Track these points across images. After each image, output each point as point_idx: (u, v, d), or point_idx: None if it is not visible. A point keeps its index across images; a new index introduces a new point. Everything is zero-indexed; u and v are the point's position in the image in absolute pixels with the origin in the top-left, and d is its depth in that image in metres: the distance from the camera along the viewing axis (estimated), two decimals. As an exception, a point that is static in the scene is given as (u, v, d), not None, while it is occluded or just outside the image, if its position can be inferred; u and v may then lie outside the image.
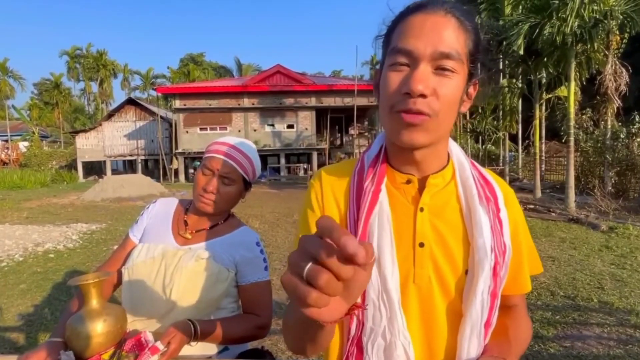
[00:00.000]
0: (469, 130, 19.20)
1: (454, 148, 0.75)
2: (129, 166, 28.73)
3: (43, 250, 6.27)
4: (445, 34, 0.60)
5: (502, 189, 0.75)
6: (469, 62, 0.64)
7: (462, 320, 0.67)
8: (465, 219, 0.70)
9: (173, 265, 1.10)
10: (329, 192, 0.75)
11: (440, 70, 0.61)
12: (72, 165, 27.02)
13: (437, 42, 0.60)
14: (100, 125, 26.26)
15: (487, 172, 0.77)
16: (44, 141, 33.99)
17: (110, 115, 26.71)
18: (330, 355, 0.74)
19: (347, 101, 22.55)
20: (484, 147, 18.98)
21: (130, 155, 26.10)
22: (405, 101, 0.61)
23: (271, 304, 1.22)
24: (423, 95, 0.60)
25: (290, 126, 23.27)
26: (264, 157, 23.61)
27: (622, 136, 10.54)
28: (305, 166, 23.74)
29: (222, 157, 1.15)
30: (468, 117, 20.39)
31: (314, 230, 0.72)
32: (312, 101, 23.06)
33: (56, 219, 9.58)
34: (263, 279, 1.20)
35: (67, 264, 5.56)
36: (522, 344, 0.75)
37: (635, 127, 10.42)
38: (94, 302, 0.95)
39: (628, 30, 8.91)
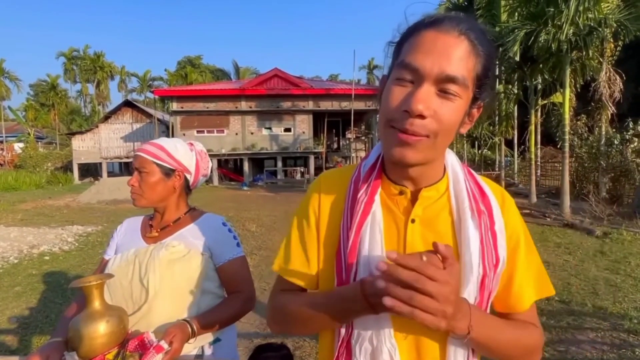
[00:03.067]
0: (465, 135, 19.28)
1: (450, 158, 0.75)
2: (125, 168, 28.61)
3: (38, 253, 6.23)
4: (454, 57, 0.59)
5: (499, 200, 0.74)
6: (475, 86, 0.63)
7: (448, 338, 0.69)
8: (456, 231, 0.71)
9: (146, 260, 1.15)
10: (326, 200, 0.78)
11: (443, 92, 0.60)
12: (67, 167, 26.88)
13: (445, 64, 0.59)
14: (97, 127, 26.16)
15: (485, 182, 0.76)
16: (39, 142, 33.81)
17: (106, 117, 26.63)
18: (322, 355, 0.78)
19: (344, 105, 22.62)
20: (480, 152, 19.09)
21: (127, 158, 25.99)
22: (404, 120, 0.61)
23: (251, 277, 1.31)
24: (421, 116, 0.59)
25: (287, 130, 23.31)
26: (260, 160, 23.62)
27: (616, 142, 10.64)
28: (302, 169, 23.76)
29: (136, 153, 1.27)
30: (464, 122, 20.43)
31: (307, 235, 0.76)
32: (310, 105, 23.12)
33: (51, 221, 9.52)
34: (238, 255, 1.27)
35: (62, 266, 5.53)
36: (516, 337, 0.70)
37: (629, 133, 10.53)
38: (96, 303, 0.96)
39: (622, 38, 9.03)
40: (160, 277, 1.12)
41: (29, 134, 31.36)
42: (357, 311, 0.65)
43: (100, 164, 25.66)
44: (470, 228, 0.68)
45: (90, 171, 27.48)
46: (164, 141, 1.29)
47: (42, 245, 6.67)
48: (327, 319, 0.70)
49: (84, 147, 25.60)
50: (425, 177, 0.71)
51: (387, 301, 0.52)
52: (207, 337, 1.19)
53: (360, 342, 0.69)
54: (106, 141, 25.62)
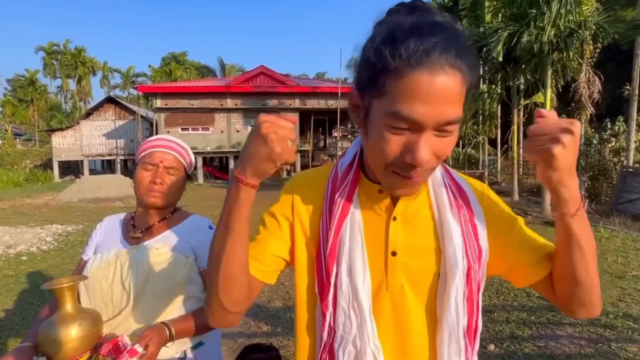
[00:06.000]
0: (450, 134, 19.46)
1: None
2: (108, 166, 28.06)
3: (15, 253, 6.05)
4: (451, 99, 0.56)
5: (475, 192, 0.76)
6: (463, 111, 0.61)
7: (439, 326, 0.68)
8: (437, 226, 0.71)
9: (128, 262, 1.11)
10: (301, 201, 0.76)
11: (442, 132, 0.58)
12: (47, 165, 26.20)
13: (445, 111, 0.55)
14: (78, 123, 25.60)
15: (460, 177, 0.77)
16: (17, 139, 32.85)
17: (88, 114, 26.09)
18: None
19: (331, 103, 22.64)
20: (464, 151, 19.35)
21: (109, 155, 25.50)
22: (407, 169, 0.60)
23: None
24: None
25: (273, 128, 23.17)
26: (246, 158, 23.44)
27: (594, 142, 10.93)
28: (288, 168, 23.70)
29: (163, 149, 1.20)
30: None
31: (272, 234, 0.75)
32: (296, 103, 23.06)
33: (29, 220, 9.26)
34: None
35: (40, 266, 5.38)
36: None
37: (607, 133, 10.83)
38: (69, 306, 0.93)
39: (601, 40, 9.26)
40: (143, 281, 1.08)
41: (6, 130, 30.43)
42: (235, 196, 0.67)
43: (82, 161, 25.11)
44: (451, 222, 0.69)
45: (71, 169, 26.84)
46: (180, 140, 1.27)
47: (20, 245, 6.47)
48: (220, 234, 0.68)
49: (64, 144, 25.00)
50: None
51: None
52: (189, 341, 1.15)
53: (344, 345, 0.67)
54: (88, 138, 25.07)
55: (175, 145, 1.23)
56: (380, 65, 0.57)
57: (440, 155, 0.60)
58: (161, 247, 1.14)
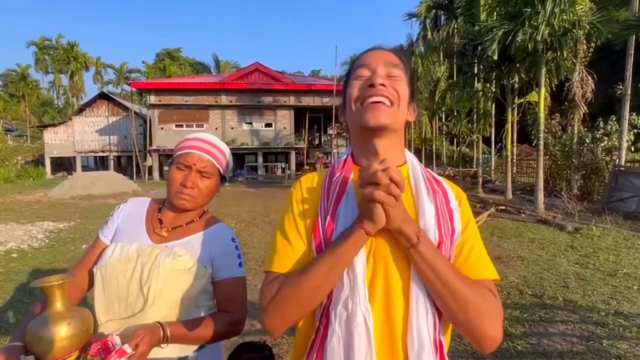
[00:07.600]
0: (444, 132, 19.61)
1: (409, 154, 0.91)
2: (101, 163, 27.82)
3: (5, 250, 5.98)
4: (389, 61, 0.85)
5: (453, 190, 0.88)
6: (410, 83, 0.87)
7: (411, 294, 0.75)
8: (416, 207, 0.82)
9: (150, 264, 1.07)
10: (306, 193, 0.88)
11: (390, 77, 0.83)
12: (39, 161, 25.94)
13: (386, 59, 0.85)
14: (71, 119, 25.38)
15: (440, 177, 0.90)
16: (8, 135, 32.43)
17: (81, 110, 25.87)
18: (306, 325, 0.83)
19: (326, 101, 22.61)
20: (458, 149, 19.44)
21: (102, 152, 25.30)
22: (370, 90, 0.81)
23: (246, 300, 1.21)
24: (383, 85, 0.81)
25: (268, 125, 23.13)
26: (241, 155, 23.36)
27: (587, 141, 11.03)
28: (283, 165, 23.65)
29: (198, 152, 1.16)
30: (444, 120, 20.84)
31: (293, 231, 0.85)
32: (291, 100, 23.00)
33: (20, 216, 9.16)
34: (237, 274, 1.19)
35: (31, 264, 5.32)
36: (465, 287, 0.72)
37: (599, 132, 10.93)
38: (58, 304, 0.91)
39: (594, 40, 9.32)
40: (161, 287, 1.05)
41: (-3, 126, 30.04)
42: (350, 239, 0.73)
43: (74, 157, 24.87)
44: (425, 201, 0.80)
45: (64, 165, 26.59)
46: (219, 143, 1.22)
47: (10, 242, 6.39)
48: (325, 270, 0.73)
49: (56, 141, 24.75)
50: (389, 158, 0.80)
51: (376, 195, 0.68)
52: (193, 346, 1.13)
53: (335, 305, 0.74)
54: (80, 134, 24.84)
55: (213, 148, 1.19)
56: (352, 67, 0.90)
57: (396, 89, 0.82)
58: (184, 254, 1.11)
